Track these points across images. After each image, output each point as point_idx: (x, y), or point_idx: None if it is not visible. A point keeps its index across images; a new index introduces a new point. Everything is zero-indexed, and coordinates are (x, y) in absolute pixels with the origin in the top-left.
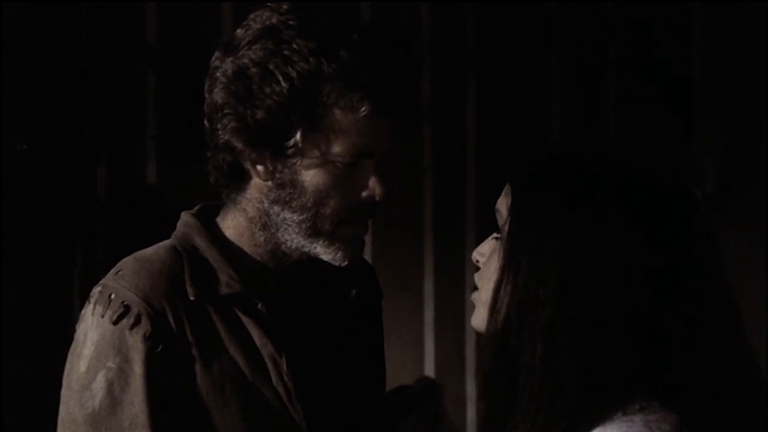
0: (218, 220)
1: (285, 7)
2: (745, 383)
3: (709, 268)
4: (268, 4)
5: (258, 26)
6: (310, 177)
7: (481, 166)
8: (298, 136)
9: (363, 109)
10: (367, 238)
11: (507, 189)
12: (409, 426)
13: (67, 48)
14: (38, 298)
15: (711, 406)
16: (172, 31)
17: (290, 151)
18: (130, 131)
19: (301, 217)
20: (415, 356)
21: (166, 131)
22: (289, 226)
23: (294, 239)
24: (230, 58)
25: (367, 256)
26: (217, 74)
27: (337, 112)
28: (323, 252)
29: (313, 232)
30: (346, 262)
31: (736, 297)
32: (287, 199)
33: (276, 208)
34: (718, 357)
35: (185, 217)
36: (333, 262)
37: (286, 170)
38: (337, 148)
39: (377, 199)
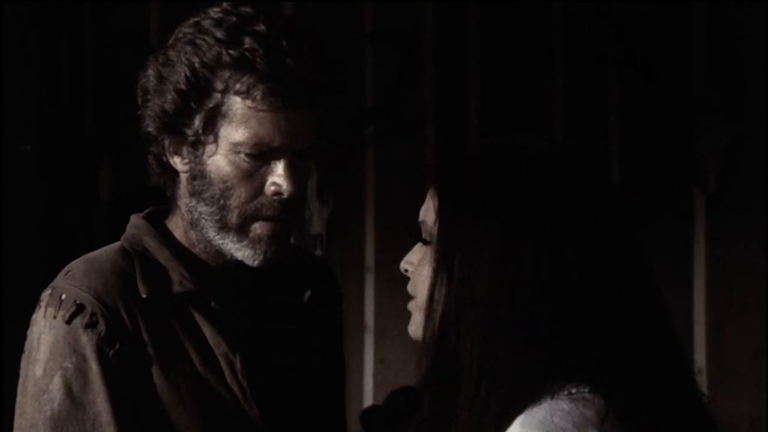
0: (167, 222)
1: (230, 3)
2: (673, 372)
3: (633, 261)
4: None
5: (195, 19)
6: (215, 167)
7: None
8: (196, 123)
9: (257, 94)
10: (368, 238)
11: (430, 194)
12: (412, 426)
13: (70, 48)
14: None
15: (640, 392)
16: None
17: (191, 139)
18: (133, 131)
19: (210, 210)
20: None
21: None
22: (205, 220)
23: (209, 234)
24: (163, 50)
25: (368, 256)
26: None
27: (234, 99)
28: (234, 249)
29: (222, 226)
30: (257, 262)
31: (660, 290)
32: (199, 190)
33: (193, 202)
34: (647, 347)
35: (134, 219)
36: (245, 261)
37: (196, 160)
38: (237, 137)
39: (285, 196)
